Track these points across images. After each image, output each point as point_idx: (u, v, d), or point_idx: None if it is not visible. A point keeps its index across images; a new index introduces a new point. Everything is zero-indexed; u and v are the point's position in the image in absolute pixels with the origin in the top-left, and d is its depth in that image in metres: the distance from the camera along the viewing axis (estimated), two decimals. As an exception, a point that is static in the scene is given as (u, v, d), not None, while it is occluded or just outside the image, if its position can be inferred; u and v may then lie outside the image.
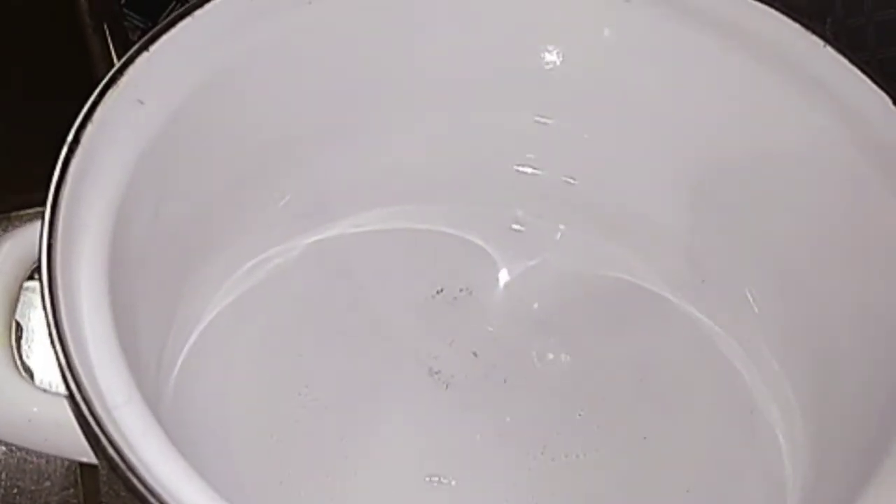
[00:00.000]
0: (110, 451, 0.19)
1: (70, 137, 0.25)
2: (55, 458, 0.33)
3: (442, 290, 0.35)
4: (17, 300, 0.25)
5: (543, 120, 0.35)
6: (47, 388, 0.24)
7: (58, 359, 0.21)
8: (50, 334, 0.21)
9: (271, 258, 0.33)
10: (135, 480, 0.19)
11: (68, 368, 0.21)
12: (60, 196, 0.24)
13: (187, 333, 0.31)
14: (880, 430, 0.26)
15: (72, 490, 0.33)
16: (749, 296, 0.33)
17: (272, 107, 0.31)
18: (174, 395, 0.30)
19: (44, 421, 0.23)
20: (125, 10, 0.40)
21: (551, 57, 0.34)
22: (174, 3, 0.42)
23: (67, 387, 0.21)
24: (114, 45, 0.36)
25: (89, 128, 0.26)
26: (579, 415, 0.32)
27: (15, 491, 0.34)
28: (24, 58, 0.40)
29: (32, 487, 0.33)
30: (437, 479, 0.31)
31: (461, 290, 0.35)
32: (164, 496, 0.19)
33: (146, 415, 0.21)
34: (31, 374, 0.33)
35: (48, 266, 0.22)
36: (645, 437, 0.32)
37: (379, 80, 0.33)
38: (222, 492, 0.21)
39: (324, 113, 0.32)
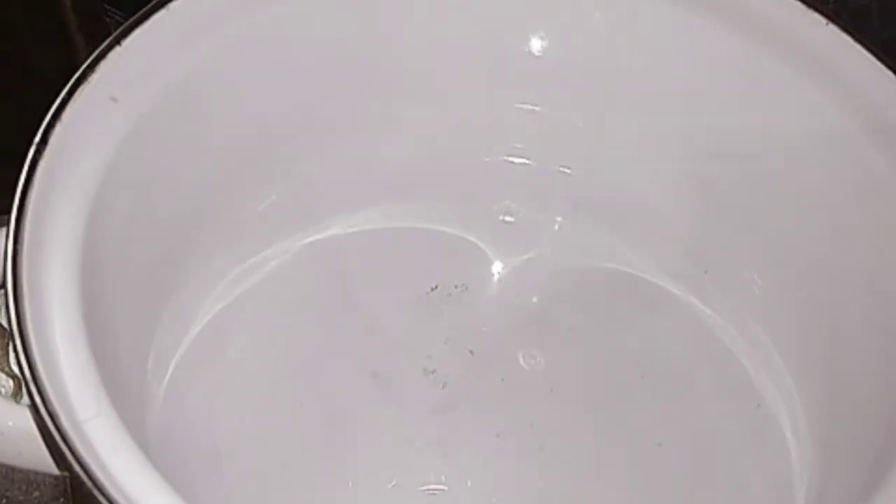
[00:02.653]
0: (76, 467, 0.18)
1: (37, 138, 0.24)
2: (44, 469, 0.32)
3: (436, 288, 0.34)
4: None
5: (530, 107, 0.34)
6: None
7: (22, 371, 0.20)
8: (14, 346, 0.20)
9: (260, 262, 0.33)
10: (101, 498, 0.18)
11: (33, 380, 0.20)
12: (27, 200, 0.23)
13: (176, 341, 0.30)
14: (891, 427, 0.25)
15: (62, 500, 0.33)
16: (753, 286, 0.32)
17: (252, 103, 0.30)
18: (164, 405, 0.29)
19: (18, 434, 0.22)
20: (106, 6, 0.40)
21: (539, 42, 0.33)
22: (157, -4, 0.41)
23: (32, 400, 0.20)
24: (94, 42, 0.35)
25: (58, 127, 0.25)
26: (579, 413, 0.32)
27: (3, 501, 0.33)
28: (4, 56, 0.39)
29: (21, 498, 0.33)
30: (433, 481, 0.30)
31: (456, 287, 0.34)
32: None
33: (118, 428, 0.20)
34: (20, 382, 0.32)
35: (13, 273, 0.22)
36: (647, 435, 0.31)
37: (361, 72, 0.32)
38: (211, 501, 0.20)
39: (306, 109, 0.32)
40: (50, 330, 0.22)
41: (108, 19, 0.39)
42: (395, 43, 0.32)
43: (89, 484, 0.18)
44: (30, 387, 0.20)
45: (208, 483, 0.28)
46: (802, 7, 0.30)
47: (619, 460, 0.31)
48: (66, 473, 0.20)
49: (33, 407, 0.20)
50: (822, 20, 0.30)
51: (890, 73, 0.29)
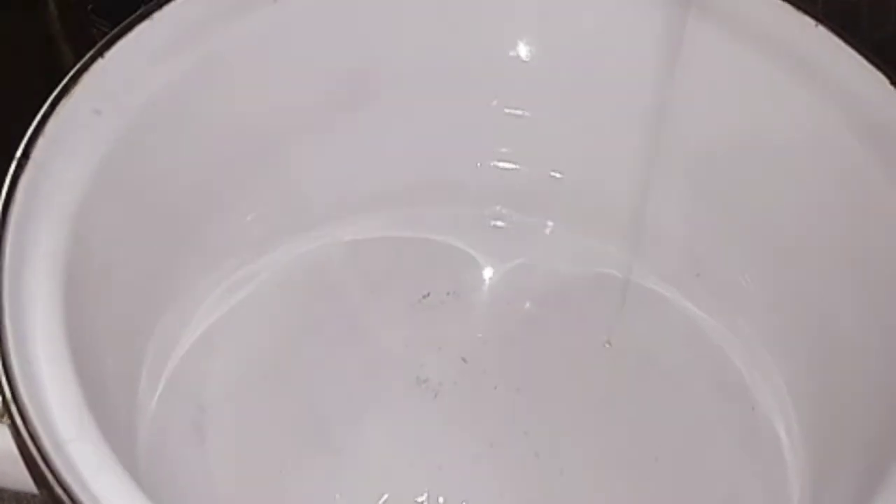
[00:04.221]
0: (57, 489, 0.18)
1: (19, 152, 0.24)
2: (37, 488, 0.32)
3: (428, 295, 0.33)
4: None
5: (519, 112, 0.33)
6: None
7: (2, 390, 0.20)
8: (-5, 365, 0.20)
9: (250, 273, 0.32)
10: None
11: (13, 400, 0.20)
12: (9, 215, 0.23)
13: (166, 356, 0.30)
14: (886, 428, 0.25)
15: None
16: (745, 288, 0.32)
17: (238, 113, 0.30)
18: (154, 420, 0.29)
19: (1, 455, 0.22)
20: (92, 17, 0.39)
21: (527, 47, 0.33)
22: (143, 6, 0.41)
23: (12, 419, 0.19)
24: (81, 52, 0.34)
25: (40, 141, 0.24)
26: (574, 420, 0.31)
27: (-8, 519, 0.33)
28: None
29: (11, 512, 0.33)
30: (427, 493, 0.30)
31: (448, 294, 0.34)
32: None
33: (102, 448, 0.20)
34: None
35: (-6, 290, 0.21)
36: (641, 440, 0.31)
37: (348, 80, 0.32)
38: None
39: (292, 119, 0.31)
40: (32, 348, 0.22)
41: (94, 30, 0.39)
42: (382, 49, 0.32)
43: (71, 505, 0.18)
44: (10, 406, 0.20)
45: (199, 499, 0.28)
46: (792, 9, 0.30)
47: (614, 466, 0.30)
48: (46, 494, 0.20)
49: (13, 427, 0.20)
50: (812, 22, 0.30)
51: (880, 75, 0.29)
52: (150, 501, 0.19)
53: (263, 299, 0.32)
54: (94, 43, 0.27)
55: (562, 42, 0.33)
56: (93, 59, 0.26)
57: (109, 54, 0.26)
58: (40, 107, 0.25)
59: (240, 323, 0.32)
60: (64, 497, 0.18)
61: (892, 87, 0.29)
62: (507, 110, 0.34)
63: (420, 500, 0.30)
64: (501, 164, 0.35)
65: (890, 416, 0.25)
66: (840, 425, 0.28)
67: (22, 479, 0.22)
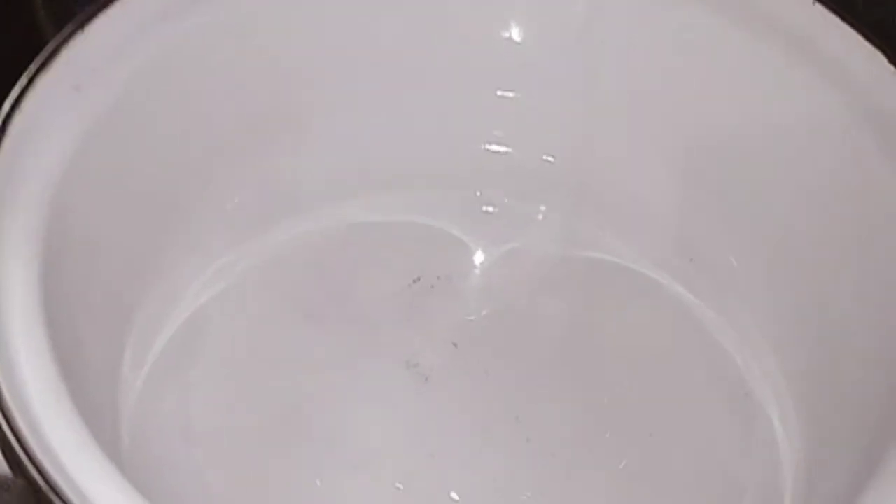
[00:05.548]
0: (32, 471, 0.18)
1: (-5, 128, 0.23)
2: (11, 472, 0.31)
3: (419, 279, 0.33)
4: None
5: (511, 94, 0.33)
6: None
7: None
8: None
9: (239, 255, 0.32)
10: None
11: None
12: (-16, 192, 0.22)
13: (152, 338, 0.29)
14: (880, 415, 0.24)
15: (33, 502, 0.32)
16: (739, 274, 0.32)
17: (223, 93, 0.29)
18: (138, 402, 0.28)
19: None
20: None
21: (519, 28, 0.32)
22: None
23: (-14, 401, 0.19)
24: (61, 25, 0.33)
25: (17, 117, 0.24)
26: (565, 405, 0.31)
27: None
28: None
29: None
30: (418, 478, 0.29)
31: (438, 279, 0.33)
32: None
33: (80, 432, 0.19)
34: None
35: (-32, 269, 0.21)
36: (635, 425, 0.30)
37: (338, 61, 0.31)
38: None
39: (280, 98, 0.31)
40: (8, 329, 0.21)
41: (75, 3, 0.38)
42: (372, 30, 0.31)
43: (46, 489, 0.17)
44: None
45: (184, 480, 0.28)
46: (788, -13, 0.30)
47: (606, 451, 0.30)
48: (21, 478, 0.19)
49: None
50: (808, 0, 0.29)
51: (878, 53, 0.28)
52: (128, 483, 0.19)
53: (252, 282, 0.32)
54: (74, 16, 0.26)
55: (555, 24, 0.32)
56: (72, 34, 0.25)
57: (90, 28, 0.26)
58: (17, 82, 0.25)
59: (229, 305, 0.31)
60: (39, 480, 0.18)
61: (890, 66, 0.28)
62: (499, 92, 0.33)
63: (410, 485, 0.29)
64: (494, 147, 0.34)
65: (883, 402, 0.25)
66: (834, 412, 0.28)
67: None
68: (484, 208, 0.34)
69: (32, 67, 0.25)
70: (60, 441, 0.19)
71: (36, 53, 0.25)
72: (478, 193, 0.34)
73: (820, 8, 0.29)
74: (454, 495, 0.29)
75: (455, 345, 0.32)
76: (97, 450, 0.19)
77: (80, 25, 0.26)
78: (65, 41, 0.25)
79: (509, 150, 0.34)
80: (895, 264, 0.27)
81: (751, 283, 0.32)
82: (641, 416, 0.31)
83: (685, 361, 0.32)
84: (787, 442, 0.29)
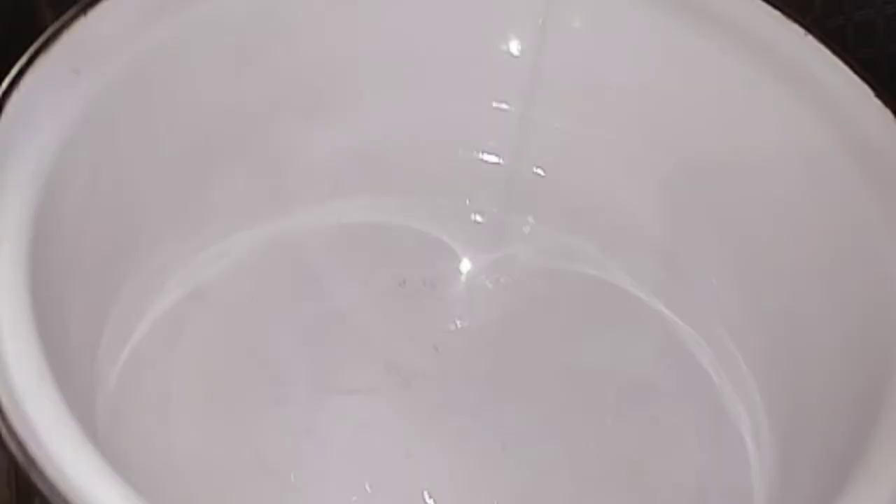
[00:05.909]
0: (11, 444, 0.18)
1: (-8, 105, 0.23)
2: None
3: (404, 283, 0.33)
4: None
5: (506, 106, 0.33)
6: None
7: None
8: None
9: (223, 250, 0.32)
10: (36, 476, 0.17)
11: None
12: (-23, 168, 0.22)
13: (131, 326, 0.29)
14: (850, 430, 0.25)
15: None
16: (720, 292, 0.32)
17: (220, 84, 0.29)
18: (116, 389, 0.28)
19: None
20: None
21: (517, 43, 0.32)
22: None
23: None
24: (61, 8, 0.33)
25: (14, 96, 0.24)
26: (542, 414, 0.31)
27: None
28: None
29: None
30: (393, 481, 0.29)
31: (424, 284, 0.33)
32: (71, 496, 0.17)
33: (59, 406, 0.19)
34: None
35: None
36: (610, 437, 0.31)
37: (335, 63, 0.31)
38: (161, 492, 0.19)
39: (276, 95, 0.31)
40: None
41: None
42: (372, 35, 0.31)
43: (24, 463, 0.17)
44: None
45: (158, 471, 0.28)
46: (782, 17, 0.30)
47: (580, 461, 0.30)
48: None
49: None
50: (801, 31, 0.30)
51: (865, 86, 0.29)
52: (104, 460, 0.19)
53: (236, 278, 0.32)
54: (75, 2, 0.26)
55: (552, 40, 0.33)
56: (74, 17, 0.26)
57: (92, 13, 0.26)
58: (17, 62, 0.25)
59: (211, 299, 0.31)
60: (18, 454, 0.18)
61: (876, 100, 0.29)
62: (494, 104, 0.34)
63: (383, 484, 0.29)
64: (486, 157, 0.34)
65: (855, 419, 0.26)
66: (806, 430, 0.28)
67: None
68: (473, 217, 0.34)
69: (32, 49, 0.25)
70: (40, 418, 0.19)
71: (35, 38, 0.26)
72: (468, 202, 0.34)
73: (811, 40, 0.30)
74: (427, 495, 0.29)
75: (437, 349, 0.32)
76: (76, 427, 0.19)
77: (83, 9, 0.26)
78: (66, 24, 0.25)
79: (501, 161, 0.34)
80: (876, 288, 0.27)
81: (731, 303, 0.32)
82: (616, 427, 0.31)
83: (662, 375, 0.32)
84: (758, 460, 0.29)
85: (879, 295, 0.27)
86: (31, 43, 0.25)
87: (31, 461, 0.18)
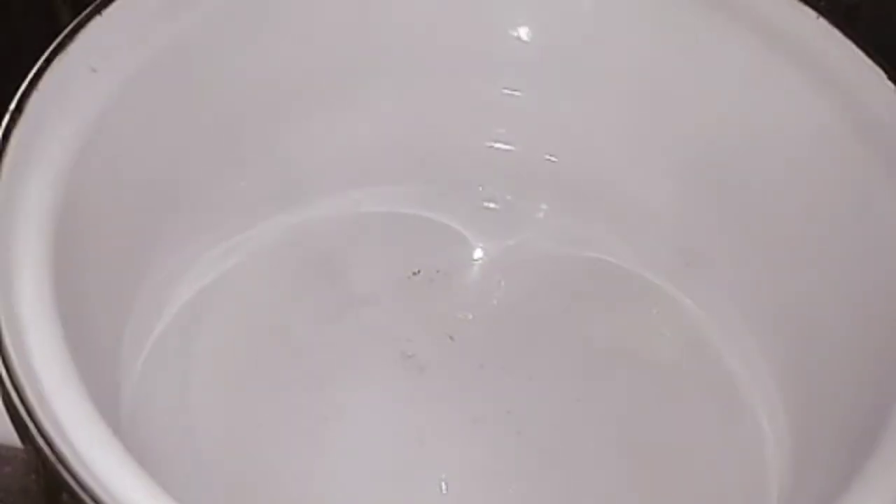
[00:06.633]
0: (39, 440, 0.18)
1: (12, 106, 0.24)
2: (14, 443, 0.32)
3: (418, 272, 0.33)
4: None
5: (517, 93, 0.33)
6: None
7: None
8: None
9: (239, 243, 0.32)
10: (65, 473, 0.18)
11: (-1, 352, 0.19)
12: (0, 168, 0.23)
13: (153, 319, 0.30)
14: (866, 425, 0.25)
15: (33, 476, 0.32)
16: (735, 279, 0.32)
17: (234, 80, 0.30)
18: (140, 382, 0.29)
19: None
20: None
21: (527, 28, 0.32)
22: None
23: (-4, 372, 0.19)
24: (79, 7, 0.34)
25: (34, 96, 0.24)
26: (557, 400, 0.31)
27: (-27, 478, 0.33)
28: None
29: (-9, 473, 0.32)
30: (409, 466, 0.30)
31: (437, 272, 0.34)
32: (98, 491, 0.18)
33: (85, 402, 0.20)
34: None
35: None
36: (624, 424, 0.31)
37: (347, 54, 0.31)
38: (184, 481, 0.19)
39: (289, 88, 0.31)
40: (18, 301, 0.21)
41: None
42: (381, 24, 0.31)
43: (52, 458, 0.18)
44: (-6, 358, 0.20)
45: (181, 461, 0.28)
46: (794, 1, 0.30)
47: (595, 448, 0.30)
48: (29, 447, 0.20)
49: (-2, 379, 0.19)
50: (813, 14, 0.30)
51: (878, 69, 0.29)
52: (129, 455, 0.19)
53: (252, 269, 0.32)
54: (92, 2, 0.27)
55: (562, 25, 0.33)
56: (91, 16, 0.26)
57: (108, 11, 0.26)
58: (36, 62, 0.25)
59: (228, 291, 0.32)
60: (46, 449, 0.18)
61: (889, 83, 0.29)
62: (505, 90, 0.34)
63: (402, 472, 0.30)
64: (497, 145, 0.34)
65: (872, 409, 0.26)
66: (823, 418, 0.28)
67: (5, 433, 0.22)
68: (486, 204, 0.35)
69: (50, 48, 0.25)
70: (67, 414, 0.19)
71: (53, 37, 0.26)
72: (480, 189, 0.34)
73: (824, 23, 0.30)
74: (442, 482, 0.29)
75: (451, 338, 0.32)
76: (101, 423, 0.20)
77: (99, 8, 0.26)
78: (83, 23, 0.26)
79: (513, 147, 0.34)
80: (885, 272, 0.27)
81: (746, 289, 0.32)
82: (631, 415, 0.31)
83: (677, 363, 0.32)
84: (774, 446, 0.30)
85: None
86: (49, 43, 0.26)
87: (59, 456, 0.18)
